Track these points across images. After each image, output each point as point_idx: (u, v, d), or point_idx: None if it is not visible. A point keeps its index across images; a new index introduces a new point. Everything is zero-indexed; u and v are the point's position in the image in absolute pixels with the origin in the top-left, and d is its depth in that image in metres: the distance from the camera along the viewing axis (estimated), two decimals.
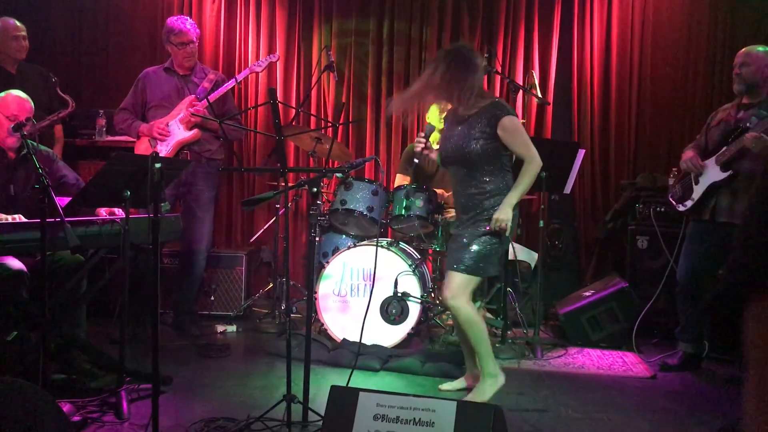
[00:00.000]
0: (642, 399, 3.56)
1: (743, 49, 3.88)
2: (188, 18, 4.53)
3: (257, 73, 4.87)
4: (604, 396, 3.58)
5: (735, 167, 3.73)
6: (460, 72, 3.20)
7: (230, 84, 4.40)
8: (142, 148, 4.35)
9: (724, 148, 3.77)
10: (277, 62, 5.51)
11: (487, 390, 3.28)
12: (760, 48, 3.83)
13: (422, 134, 3.48)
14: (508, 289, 4.47)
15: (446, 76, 3.20)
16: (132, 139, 4.64)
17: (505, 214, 3.17)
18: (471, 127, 3.24)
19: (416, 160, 3.56)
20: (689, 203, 3.96)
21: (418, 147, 3.45)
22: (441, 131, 3.60)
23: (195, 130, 4.31)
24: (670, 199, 4.13)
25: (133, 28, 5.80)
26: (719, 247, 3.90)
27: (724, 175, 3.76)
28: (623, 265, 4.93)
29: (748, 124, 3.67)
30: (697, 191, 3.91)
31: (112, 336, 4.11)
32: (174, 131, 4.30)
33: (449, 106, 3.50)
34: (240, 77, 4.55)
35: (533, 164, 3.21)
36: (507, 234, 3.23)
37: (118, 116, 4.49)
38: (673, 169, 4.49)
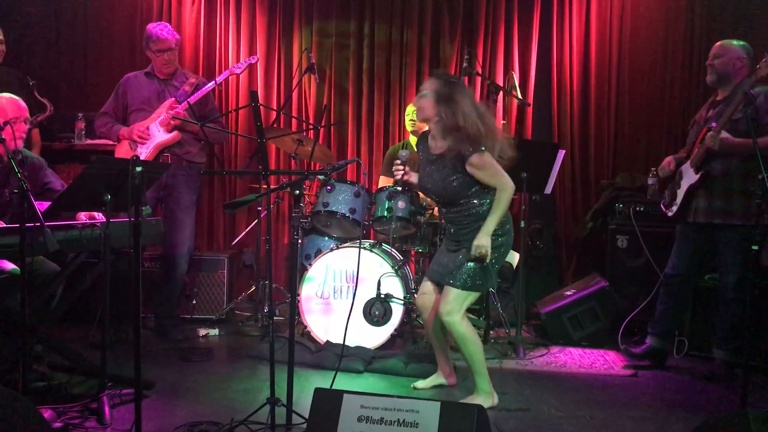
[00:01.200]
0: (623, 397, 3.59)
1: (718, 42, 3.90)
2: (167, 25, 4.50)
3: (237, 75, 4.85)
4: (586, 394, 3.61)
5: (706, 168, 3.76)
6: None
7: (210, 86, 4.38)
8: (122, 151, 4.32)
9: (696, 150, 3.81)
10: (258, 64, 5.50)
11: (480, 403, 3.24)
12: (735, 42, 3.86)
13: (398, 162, 3.48)
14: (490, 289, 4.50)
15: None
16: (111, 143, 4.61)
17: (485, 241, 3.22)
18: (443, 166, 3.30)
19: (398, 188, 3.59)
20: (674, 208, 3.99)
21: (398, 175, 3.49)
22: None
23: (175, 132, 4.28)
24: (661, 206, 4.14)
25: (111, 30, 5.73)
26: (704, 248, 3.95)
27: (697, 176, 3.79)
28: (604, 265, 4.97)
29: (713, 123, 3.68)
30: (679, 195, 3.95)
31: (94, 341, 4.07)
32: (154, 134, 4.28)
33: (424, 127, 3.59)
34: (219, 79, 4.53)
35: (506, 191, 3.25)
36: (488, 259, 3.24)
37: (99, 120, 4.47)
38: (652, 168, 4.53)
